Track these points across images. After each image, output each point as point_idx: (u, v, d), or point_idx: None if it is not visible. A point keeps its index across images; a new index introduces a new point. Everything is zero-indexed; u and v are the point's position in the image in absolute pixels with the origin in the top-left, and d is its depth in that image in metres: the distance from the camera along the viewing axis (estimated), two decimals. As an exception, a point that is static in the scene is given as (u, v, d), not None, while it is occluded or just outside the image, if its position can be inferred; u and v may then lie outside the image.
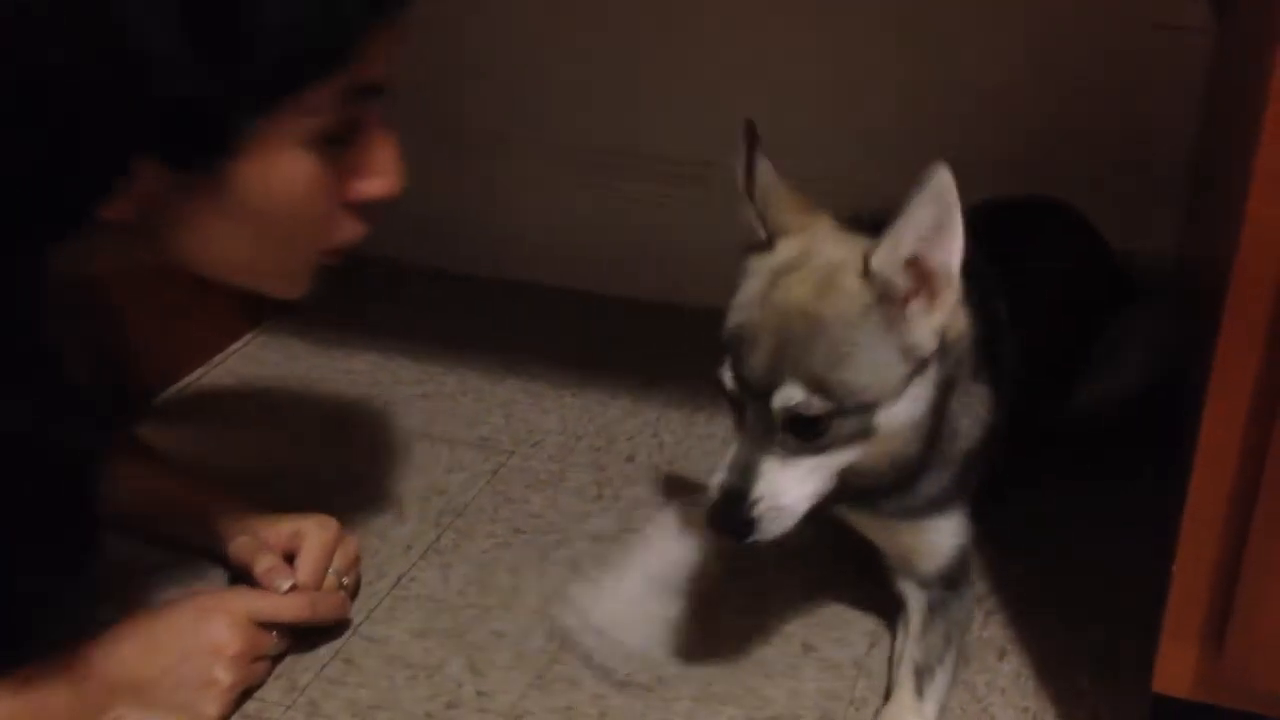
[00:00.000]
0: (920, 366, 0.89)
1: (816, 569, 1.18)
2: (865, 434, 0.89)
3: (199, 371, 1.54)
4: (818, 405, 0.86)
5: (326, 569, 1.08)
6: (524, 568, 1.19)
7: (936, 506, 1.01)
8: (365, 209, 0.92)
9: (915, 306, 0.87)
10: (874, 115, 1.50)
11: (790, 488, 0.89)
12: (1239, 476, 0.78)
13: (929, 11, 1.43)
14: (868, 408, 0.88)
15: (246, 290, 0.94)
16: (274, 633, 1.03)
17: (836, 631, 1.11)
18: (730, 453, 0.91)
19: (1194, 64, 1.32)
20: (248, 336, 1.61)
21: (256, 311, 1.62)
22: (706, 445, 1.38)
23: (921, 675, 0.99)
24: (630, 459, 1.36)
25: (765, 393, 0.87)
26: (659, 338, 1.57)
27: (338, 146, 0.86)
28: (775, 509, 0.89)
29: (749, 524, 0.89)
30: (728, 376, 0.90)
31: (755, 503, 0.88)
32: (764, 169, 0.92)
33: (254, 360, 1.57)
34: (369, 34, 0.82)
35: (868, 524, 1.06)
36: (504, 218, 1.74)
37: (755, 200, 0.92)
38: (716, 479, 0.90)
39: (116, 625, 0.99)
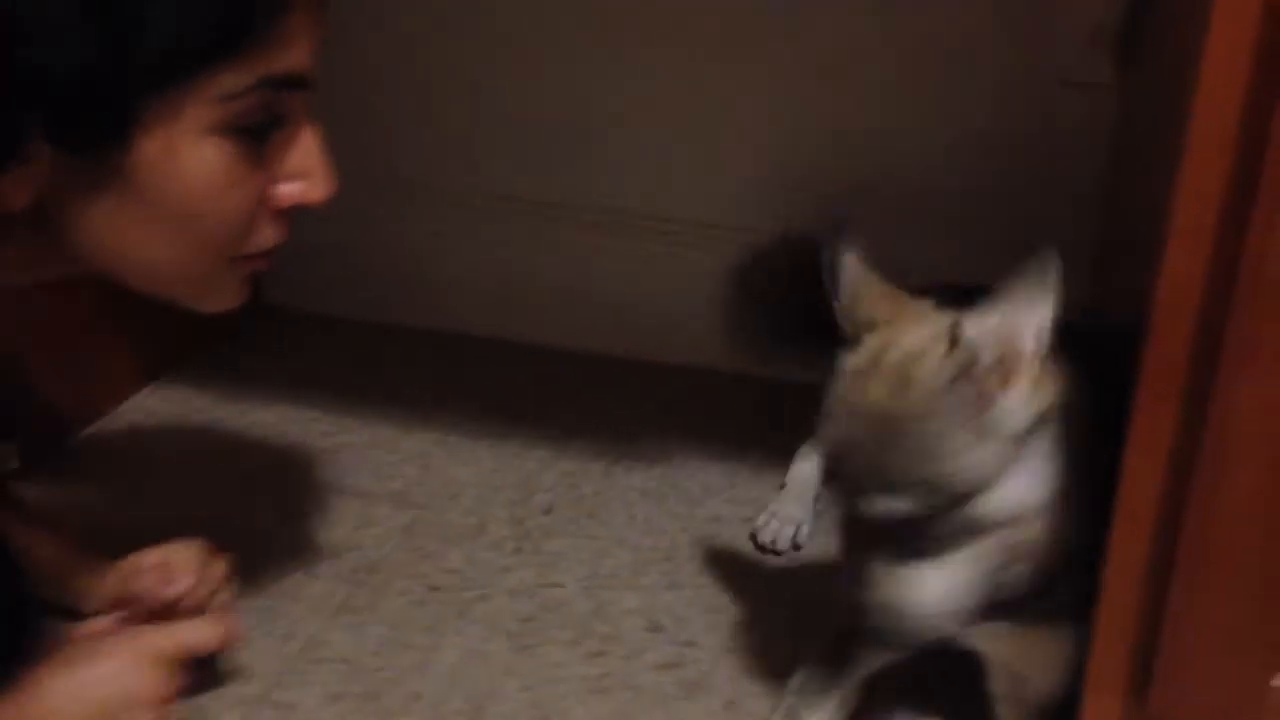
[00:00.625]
0: (1018, 445, 0.83)
1: (742, 622, 1.17)
2: (977, 528, 0.84)
3: (94, 425, 1.48)
4: (903, 508, 0.82)
5: (204, 587, 1.05)
6: (441, 625, 1.16)
7: (1070, 605, 0.91)
8: (289, 214, 0.87)
9: (994, 382, 0.81)
10: (809, 164, 1.51)
11: (932, 590, 0.85)
12: (1158, 530, 0.79)
13: (857, 64, 1.45)
14: (962, 499, 0.83)
15: (174, 304, 0.88)
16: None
17: (761, 686, 1.09)
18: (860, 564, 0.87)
19: (1101, 120, 1.35)
20: (146, 389, 1.56)
21: (155, 363, 1.57)
22: (626, 497, 1.36)
23: None
24: (549, 511, 1.34)
25: (859, 503, 0.84)
26: (577, 388, 1.56)
27: (256, 141, 0.82)
28: (921, 615, 0.85)
29: (900, 633, 0.86)
30: (833, 491, 0.89)
31: (890, 600, 0.85)
32: (850, 263, 0.88)
33: (152, 413, 1.51)
34: (280, 18, 0.78)
35: (995, 636, 0.95)
36: (416, 265, 1.71)
37: (841, 298, 0.88)
38: (857, 595, 0.86)
39: (36, 673, 0.92)
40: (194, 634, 0.99)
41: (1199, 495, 0.76)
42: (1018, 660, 0.97)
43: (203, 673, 1.03)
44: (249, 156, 0.82)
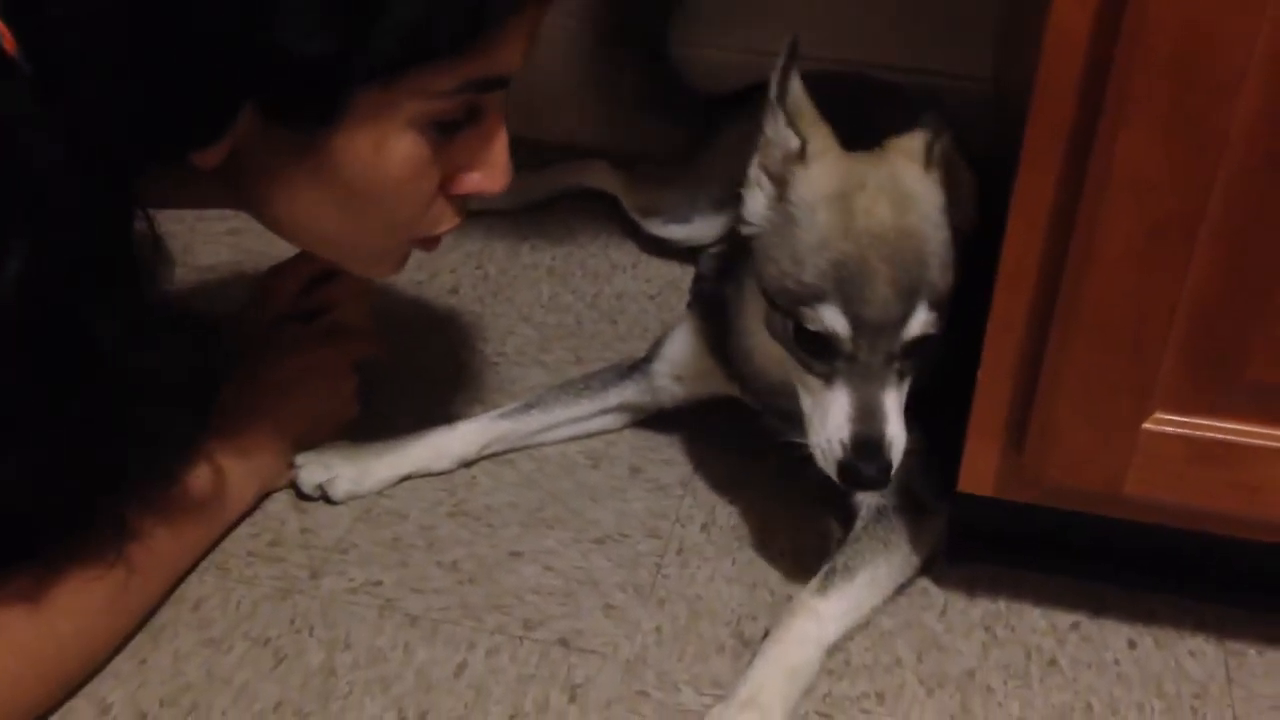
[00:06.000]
0: None
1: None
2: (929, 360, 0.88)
3: None
4: (939, 322, 0.85)
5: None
6: (347, 404, 1.17)
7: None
8: (465, 199, 0.89)
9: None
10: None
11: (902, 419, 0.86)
12: (1038, 287, 0.81)
13: None
14: (943, 328, 0.87)
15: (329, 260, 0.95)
16: None
17: (663, 455, 1.13)
18: (842, 398, 0.85)
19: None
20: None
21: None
22: (530, 275, 1.37)
23: (833, 573, 0.93)
24: (454, 291, 1.34)
25: (894, 324, 0.84)
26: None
27: (449, 133, 0.83)
28: (898, 440, 0.85)
29: (888, 469, 0.85)
30: (839, 321, 0.84)
31: (891, 445, 0.85)
32: (796, 82, 0.89)
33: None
34: (504, 25, 0.78)
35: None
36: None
37: (787, 108, 0.88)
38: (840, 431, 0.85)
39: (259, 402, 1.03)
40: (365, 347, 1.12)
41: (1077, 249, 0.77)
42: None
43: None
44: (441, 149, 0.83)
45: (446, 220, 0.90)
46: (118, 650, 0.91)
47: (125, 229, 0.80)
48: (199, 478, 0.96)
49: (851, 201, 0.85)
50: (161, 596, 0.95)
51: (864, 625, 0.95)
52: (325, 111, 0.78)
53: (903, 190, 0.86)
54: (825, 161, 0.88)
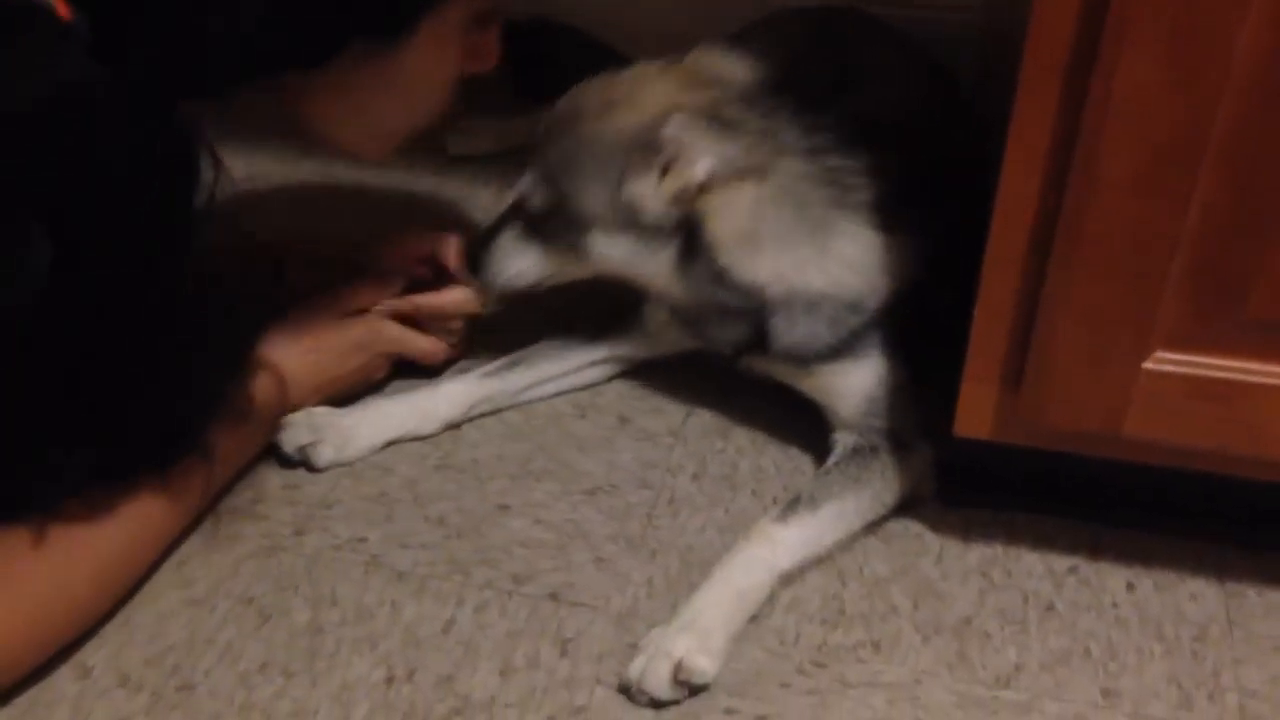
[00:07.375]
0: (642, 227, 0.93)
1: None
2: (577, 249, 0.97)
3: None
4: (539, 199, 0.97)
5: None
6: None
7: (837, 352, 0.96)
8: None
9: (651, 167, 0.91)
10: None
11: (516, 257, 1.02)
12: (1036, 221, 0.79)
13: None
14: (577, 225, 0.96)
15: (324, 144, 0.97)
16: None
17: (652, 404, 1.11)
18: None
19: None
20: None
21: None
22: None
23: (797, 503, 0.93)
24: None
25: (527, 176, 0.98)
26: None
27: (487, 24, 0.92)
28: (501, 265, 1.03)
29: (479, 264, 1.04)
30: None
31: (487, 252, 1.03)
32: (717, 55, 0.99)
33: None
34: None
35: (776, 371, 1.01)
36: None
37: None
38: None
39: (302, 353, 1.03)
40: (424, 347, 1.10)
41: (1076, 180, 0.75)
42: (809, 392, 1.01)
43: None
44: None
45: (447, 102, 0.96)
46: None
47: (189, 186, 0.81)
48: (261, 384, 0.98)
49: (597, 83, 0.97)
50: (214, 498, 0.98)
51: (824, 560, 0.94)
52: (404, 28, 0.85)
53: (612, 109, 0.94)
54: (655, 67, 0.97)
